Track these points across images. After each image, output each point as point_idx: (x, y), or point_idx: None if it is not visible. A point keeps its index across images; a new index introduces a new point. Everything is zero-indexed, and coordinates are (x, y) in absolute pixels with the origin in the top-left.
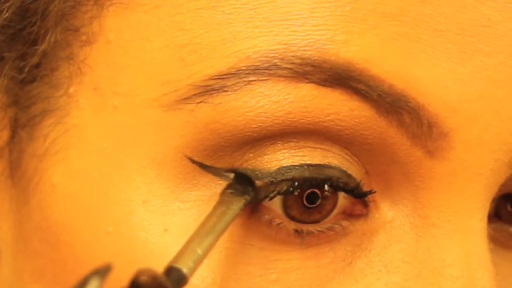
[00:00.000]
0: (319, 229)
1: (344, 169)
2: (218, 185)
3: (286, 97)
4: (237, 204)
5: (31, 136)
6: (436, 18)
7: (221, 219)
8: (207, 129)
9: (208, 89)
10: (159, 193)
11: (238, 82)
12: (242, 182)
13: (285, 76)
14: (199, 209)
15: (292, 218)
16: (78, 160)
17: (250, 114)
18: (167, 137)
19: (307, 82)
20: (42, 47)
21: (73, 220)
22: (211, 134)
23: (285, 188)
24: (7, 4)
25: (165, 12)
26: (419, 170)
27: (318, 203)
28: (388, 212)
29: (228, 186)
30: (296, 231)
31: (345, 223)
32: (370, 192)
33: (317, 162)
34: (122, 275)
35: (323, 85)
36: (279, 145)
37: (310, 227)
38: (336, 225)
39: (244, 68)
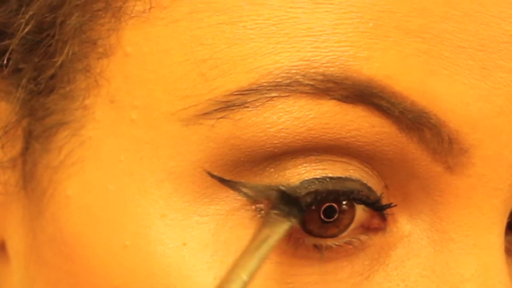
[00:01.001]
0: (338, 243)
1: (365, 182)
2: (236, 200)
3: (307, 113)
4: (282, 226)
5: (46, 148)
6: (458, 35)
7: (266, 242)
8: (227, 144)
9: (229, 104)
10: (177, 207)
11: (259, 98)
12: (288, 202)
13: (307, 93)
14: (217, 224)
15: (310, 233)
16: (94, 173)
17: (272, 130)
18: (185, 151)
19: (329, 99)
20: (59, 59)
21: (89, 233)
22: (231, 149)
23: (309, 201)
24: (26, 17)
25: (185, 26)
26: (438, 185)
27: (335, 217)
28: (406, 226)
29: (273, 206)
30: (315, 246)
31: (363, 237)
32: (390, 205)
33: (339, 175)
34: None
35: (344, 102)
36: (300, 159)
37: (329, 242)
38: (354, 239)
39: (265, 84)
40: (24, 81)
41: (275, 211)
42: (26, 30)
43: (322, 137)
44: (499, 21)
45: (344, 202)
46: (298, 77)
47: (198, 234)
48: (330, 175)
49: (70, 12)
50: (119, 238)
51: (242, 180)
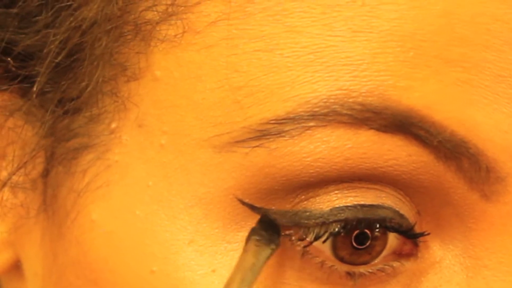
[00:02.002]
0: (371, 270)
1: (397, 209)
2: None
3: (345, 143)
4: (265, 254)
5: (69, 171)
6: (498, 64)
7: (252, 270)
8: (261, 172)
9: (265, 133)
10: (206, 233)
11: (296, 128)
12: (268, 227)
13: (345, 122)
14: None
15: (341, 259)
16: (120, 197)
17: (308, 159)
18: (217, 178)
19: (367, 129)
20: (87, 83)
21: (115, 258)
22: (265, 177)
23: (337, 229)
24: (56, 42)
25: (219, 52)
26: (473, 212)
27: (368, 244)
28: (437, 252)
29: (253, 232)
30: (348, 273)
31: (395, 263)
32: (423, 234)
33: (370, 203)
34: None
35: (383, 131)
36: (331, 186)
37: (361, 269)
38: (386, 266)
39: (303, 113)
40: (51, 105)
41: (256, 237)
42: (55, 54)
43: (359, 166)
44: None
45: (377, 230)
46: (336, 106)
47: (228, 261)
48: (362, 202)
49: (99, 35)
50: (147, 263)
51: (272, 208)
